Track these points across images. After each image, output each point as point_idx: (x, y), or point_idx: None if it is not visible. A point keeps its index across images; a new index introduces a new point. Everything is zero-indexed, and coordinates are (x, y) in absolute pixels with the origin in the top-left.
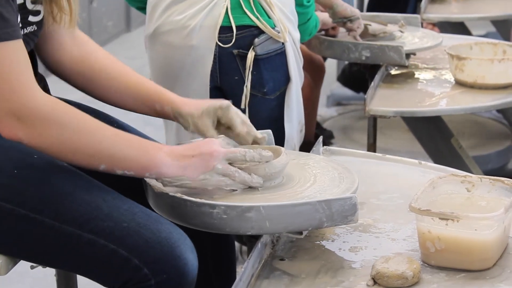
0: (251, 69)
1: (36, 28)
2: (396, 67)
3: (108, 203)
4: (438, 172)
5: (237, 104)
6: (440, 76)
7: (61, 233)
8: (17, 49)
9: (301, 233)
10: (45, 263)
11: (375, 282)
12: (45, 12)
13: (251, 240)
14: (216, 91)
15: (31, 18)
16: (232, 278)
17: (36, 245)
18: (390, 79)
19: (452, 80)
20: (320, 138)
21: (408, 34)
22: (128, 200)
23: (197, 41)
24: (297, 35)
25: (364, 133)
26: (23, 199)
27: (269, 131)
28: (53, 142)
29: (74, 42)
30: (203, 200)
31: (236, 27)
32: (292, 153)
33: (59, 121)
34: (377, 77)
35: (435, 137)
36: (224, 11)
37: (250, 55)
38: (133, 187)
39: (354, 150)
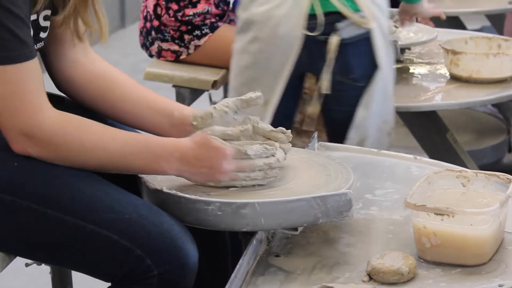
0: (335, 54)
1: (43, 45)
2: None
3: (109, 196)
4: (433, 167)
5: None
6: (435, 71)
7: (63, 224)
8: (31, 69)
9: (296, 229)
10: (45, 258)
11: (370, 278)
12: (67, 32)
13: (246, 236)
14: (305, 77)
15: (42, 35)
16: (227, 275)
17: (37, 237)
18: None
19: (447, 74)
20: (315, 134)
21: (403, 29)
22: (129, 193)
23: (284, 31)
24: (385, 21)
25: None
26: (24, 191)
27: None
28: (62, 159)
29: (87, 58)
30: (197, 197)
31: (323, 14)
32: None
33: (68, 140)
34: None
35: (430, 132)
36: None
37: (334, 40)
38: (130, 182)
39: (349, 145)
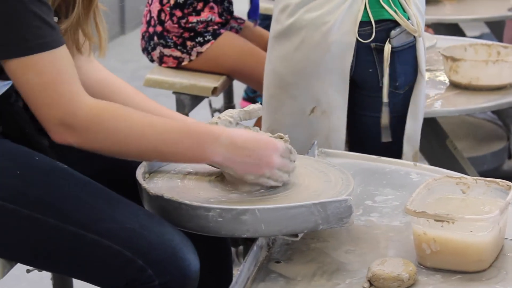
0: (388, 62)
1: None
2: None
3: (111, 205)
4: (433, 173)
5: (369, 96)
6: (434, 78)
7: (65, 233)
8: (64, 56)
9: (296, 235)
10: (46, 266)
11: (371, 284)
12: (68, 42)
13: (246, 243)
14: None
15: None
16: (228, 281)
17: (38, 246)
18: None
19: (447, 81)
20: (315, 141)
21: None
22: (131, 202)
23: (337, 37)
24: (424, 27)
25: None
26: (26, 200)
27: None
28: (102, 146)
29: (90, 66)
30: (198, 203)
31: (375, 21)
32: None
33: (106, 126)
34: None
35: (430, 139)
36: (363, 6)
37: (387, 47)
38: (131, 189)
39: (350, 152)
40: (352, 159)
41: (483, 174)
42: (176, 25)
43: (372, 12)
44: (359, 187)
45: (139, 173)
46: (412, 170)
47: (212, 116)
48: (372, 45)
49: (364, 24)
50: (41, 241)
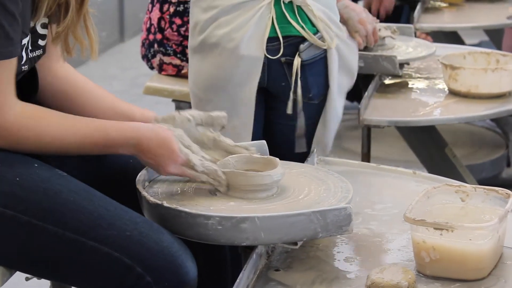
0: (299, 75)
1: (42, 52)
2: (389, 77)
3: (110, 213)
4: (432, 182)
5: (284, 109)
6: (433, 86)
7: (64, 240)
8: (8, 69)
9: (296, 243)
10: (45, 273)
11: None
12: (58, 47)
13: (246, 251)
14: (263, 93)
15: (40, 42)
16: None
17: (38, 252)
18: (383, 89)
19: (446, 89)
20: (315, 149)
21: (401, 44)
22: (129, 209)
23: (245, 53)
24: (342, 34)
25: (358, 142)
26: (25, 206)
27: (263, 141)
28: (24, 150)
29: (58, 65)
30: (198, 211)
31: (282, 36)
32: (286, 163)
33: (29, 136)
34: (371, 87)
35: (429, 147)
36: (270, 22)
37: (297, 61)
38: (130, 197)
39: (349, 160)
40: (351, 167)
41: (481, 182)
42: (175, 33)
43: (279, 28)
44: (358, 195)
45: (139, 181)
46: (411, 178)
47: None
48: (282, 59)
49: (272, 39)
50: (40, 248)
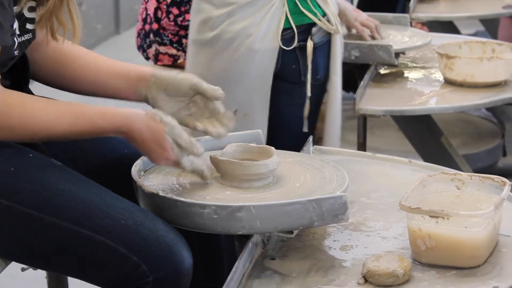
0: (311, 58)
1: (31, 36)
2: (385, 66)
3: (106, 202)
4: (428, 170)
5: (295, 91)
6: (429, 75)
7: (60, 230)
8: None
9: (291, 232)
10: (41, 264)
11: (366, 281)
12: (43, 28)
13: (241, 239)
14: (273, 78)
15: (28, 26)
16: (220, 277)
17: (33, 243)
18: (379, 78)
19: (442, 79)
20: (310, 138)
21: (397, 33)
22: (125, 199)
23: (262, 46)
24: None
25: (354, 132)
26: (21, 196)
27: (259, 131)
28: (8, 138)
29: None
30: (193, 201)
31: (296, 26)
32: (282, 152)
33: (14, 124)
34: (367, 77)
35: (425, 136)
36: (284, 15)
37: (310, 44)
38: (125, 187)
39: (344, 149)
40: (347, 156)
41: (477, 171)
42: (172, 23)
43: (293, 19)
44: (354, 184)
45: (135, 170)
46: (407, 166)
47: None
48: (296, 44)
49: (286, 29)
50: (36, 238)
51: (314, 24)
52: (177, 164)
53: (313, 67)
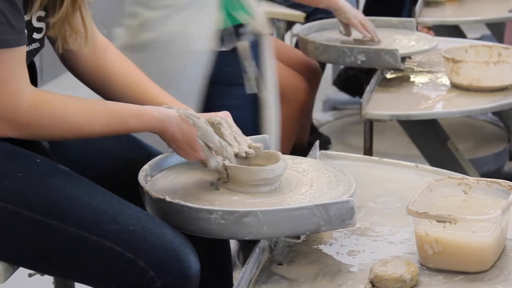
0: (248, 56)
1: (39, 45)
2: (391, 71)
3: (113, 207)
4: (435, 175)
5: (224, 95)
6: (435, 79)
7: (68, 235)
8: (17, 56)
9: (299, 237)
10: (48, 269)
11: (373, 286)
12: (55, 36)
13: (248, 245)
14: (209, 83)
15: (35, 35)
16: (228, 282)
17: (41, 248)
18: (385, 83)
19: (448, 83)
20: (317, 143)
21: (403, 38)
22: (132, 204)
23: (199, 47)
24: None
25: (361, 137)
26: (28, 202)
27: (266, 136)
28: (42, 137)
29: (91, 51)
30: (200, 206)
31: (231, 27)
32: (288, 157)
33: (46, 123)
34: (373, 81)
35: (431, 140)
36: (218, 17)
37: (243, 44)
38: (132, 192)
39: (351, 154)
40: (353, 161)
41: (484, 175)
42: None
43: (225, 19)
44: (360, 189)
45: (141, 176)
46: (413, 171)
47: None
48: (230, 46)
49: (220, 30)
50: (43, 243)
51: (245, 25)
52: (204, 163)
53: (247, 67)
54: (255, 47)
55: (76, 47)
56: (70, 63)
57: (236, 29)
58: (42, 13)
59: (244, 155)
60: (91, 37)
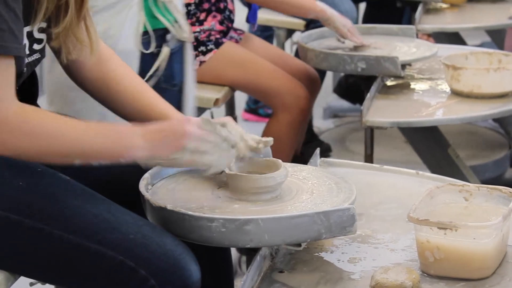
0: (166, 63)
1: (40, 56)
2: (392, 78)
3: (114, 216)
4: (436, 182)
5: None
6: (436, 86)
7: (69, 244)
8: (9, 65)
9: (299, 245)
10: (49, 278)
11: None
12: (59, 46)
13: (250, 253)
14: None
15: (36, 46)
16: None
17: (42, 257)
18: (386, 90)
19: (448, 90)
20: (317, 150)
21: (403, 45)
22: (132, 213)
23: (123, 48)
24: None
25: (361, 144)
26: (30, 211)
27: (271, 138)
28: (24, 151)
29: (94, 61)
30: (201, 214)
31: (153, 30)
32: (289, 165)
33: (29, 132)
34: (373, 88)
35: (432, 147)
36: (142, 19)
37: (165, 50)
38: (132, 200)
39: (352, 161)
40: (354, 168)
41: (485, 182)
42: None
43: (149, 22)
44: (361, 196)
45: (142, 184)
46: (414, 178)
47: None
48: (154, 50)
49: (146, 33)
50: (45, 252)
51: (168, 30)
52: (205, 123)
53: (169, 73)
54: (180, 52)
55: (82, 58)
56: (75, 74)
57: (160, 34)
58: (43, 24)
59: (255, 145)
60: (96, 47)
